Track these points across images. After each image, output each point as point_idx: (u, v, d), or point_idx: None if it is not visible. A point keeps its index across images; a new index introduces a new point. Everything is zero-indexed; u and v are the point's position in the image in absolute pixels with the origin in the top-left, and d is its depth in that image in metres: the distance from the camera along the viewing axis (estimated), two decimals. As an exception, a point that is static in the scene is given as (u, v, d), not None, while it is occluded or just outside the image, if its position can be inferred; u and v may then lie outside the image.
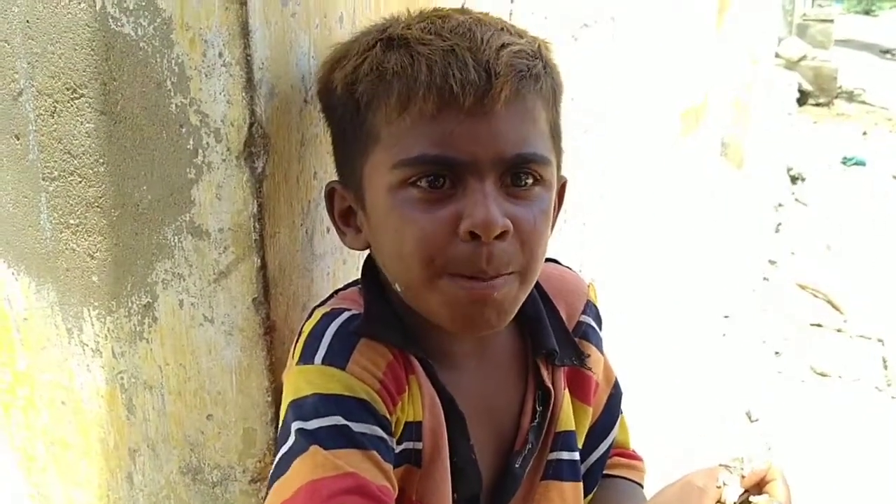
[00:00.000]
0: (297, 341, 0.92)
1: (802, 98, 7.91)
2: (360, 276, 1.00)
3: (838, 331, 4.03)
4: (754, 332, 3.82)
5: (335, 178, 0.99)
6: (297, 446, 0.84)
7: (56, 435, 1.16)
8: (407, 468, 0.91)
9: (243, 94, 0.92)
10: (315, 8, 1.02)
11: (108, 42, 0.94)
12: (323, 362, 0.87)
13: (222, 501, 1.09)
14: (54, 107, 0.99)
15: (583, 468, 1.06)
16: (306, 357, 0.88)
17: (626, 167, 2.74)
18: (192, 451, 1.08)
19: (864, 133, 7.48)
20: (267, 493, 0.85)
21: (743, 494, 0.81)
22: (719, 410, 3.02)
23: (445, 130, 0.84)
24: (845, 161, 6.58)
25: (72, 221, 1.03)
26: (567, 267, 1.12)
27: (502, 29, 0.88)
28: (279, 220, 1.00)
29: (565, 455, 1.02)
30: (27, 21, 0.97)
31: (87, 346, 1.08)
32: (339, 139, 0.96)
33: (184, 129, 0.95)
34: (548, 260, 0.96)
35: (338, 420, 0.84)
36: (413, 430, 0.91)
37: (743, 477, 0.81)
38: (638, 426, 1.22)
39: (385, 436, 0.86)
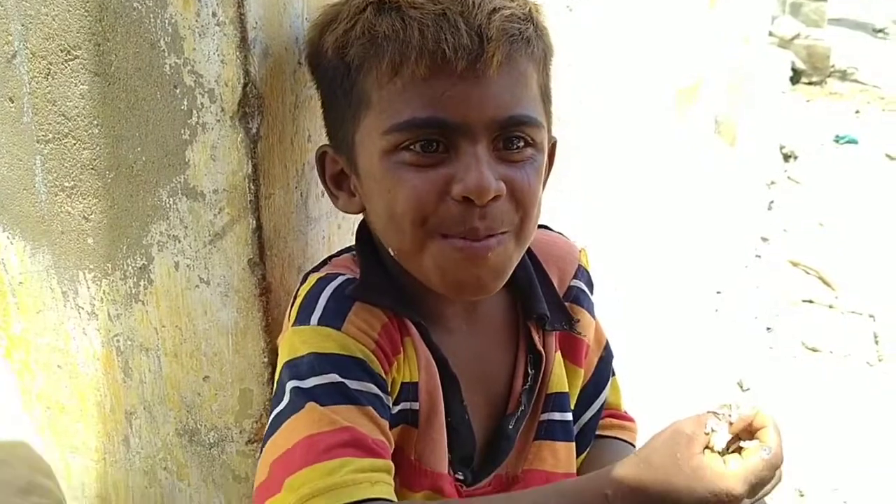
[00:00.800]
0: (292, 305, 0.93)
1: (796, 76, 7.90)
2: (353, 243, 1.01)
3: (830, 307, 4.05)
4: (747, 307, 3.83)
5: (327, 141, 1.00)
6: (294, 404, 0.84)
7: (52, 399, 1.17)
8: (404, 428, 0.92)
9: (237, 53, 0.93)
10: (308, -31, 1.02)
11: (101, 2, 0.93)
12: (319, 323, 0.88)
13: (219, 462, 1.10)
14: (48, 69, 0.99)
15: (575, 428, 1.07)
16: (302, 319, 0.89)
17: (619, 143, 2.74)
18: (188, 413, 1.09)
19: (857, 112, 7.47)
20: (261, 452, 0.86)
21: (733, 441, 0.81)
22: (711, 384, 3.03)
23: (437, 94, 0.84)
24: (838, 139, 6.58)
25: (66, 184, 1.03)
26: (559, 233, 1.12)
27: None
28: (274, 182, 1.01)
29: (557, 416, 1.04)
30: (20, -18, 0.97)
31: (83, 309, 1.09)
32: (330, 103, 0.96)
33: (178, 90, 0.95)
34: (539, 226, 0.97)
35: (334, 377, 0.85)
36: (409, 390, 0.92)
37: (731, 423, 0.81)
38: (631, 399, 1.23)
39: (381, 393, 0.87)
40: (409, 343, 0.93)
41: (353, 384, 0.85)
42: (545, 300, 1.02)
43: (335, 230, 1.14)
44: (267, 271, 1.01)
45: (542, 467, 1.02)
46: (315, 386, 0.85)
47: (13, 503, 0.96)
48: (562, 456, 1.04)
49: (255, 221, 0.99)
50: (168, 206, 1.00)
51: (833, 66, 8.42)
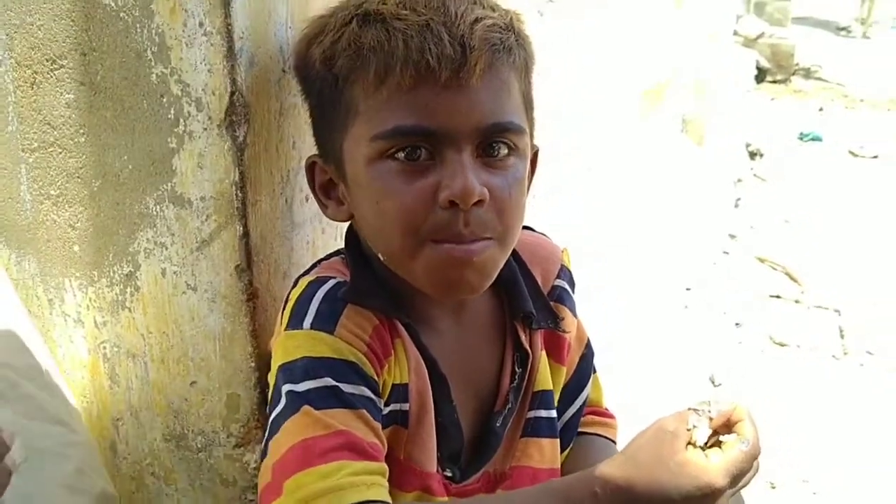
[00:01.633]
0: (283, 309, 0.94)
1: (760, 75, 8.01)
2: (342, 246, 1.02)
3: (796, 302, 4.12)
4: (715, 303, 3.89)
5: (313, 148, 1.01)
6: (289, 408, 0.86)
7: (38, 406, 1.17)
8: (395, 429, 0.94)
9: (224, 62, 0.94)
10: (293, -21, 1.03)
11: (87, 12, 0.94)
12: (311, 327, 0.89)
13: (206, 467, 1.11)
14: (34, 78, 0.99)
15: (559, 425, 1.10)
16: (294, 323, 0.91)
17: (589, 145, 2.78)
18: (175, 418, 1.10)
19: (821, 109, 7.60)
20: (264, 455, 0.88)
21: (712, 435, 0.84)
22: (683, 378, 3.07)
23: (422, 103, 0.87)
24: (802, 137, 6.68)
25: (52, 192, 1.03)
26: (541, 233, 1.15)
27: (475, 3, 0.91)
28: (260, 189, 1.02)
29: (543, 413, 1.06)
30: (5, -8, 0.97)
31: (69, 316, 1.09)
32: (318, 113, 0.98)
33: (164, 99, 0.96)
34: (523, 227, 0.99)
35: (328, 381, 0.86)
36: (400, 392, 0.94)
37: (711, 419, 0.84)
38: (606, 394, 1.26)
39: (373, 396, 0.89)
40: (400, 344, 0.94)
41: (347, 388, 0.87)
42: (531, 299, 1.04)
43: (319, 234, 1.16)
44: (254, 277, 1.03)
45: (529, 463, 1.05)
46: (309, 390, 0.86)
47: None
48: (547, 452, 1.06)
49: (242, 228, 1.00)
50: (155, 213, 1.00)
51: (797, 65, 8.55)
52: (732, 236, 4.70)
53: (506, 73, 0.91)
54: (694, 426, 0.84)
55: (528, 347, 1.04)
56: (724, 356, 3.51)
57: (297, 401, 0.86)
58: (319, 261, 1.04)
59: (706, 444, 0.84)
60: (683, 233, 4.03)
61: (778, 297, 4.16)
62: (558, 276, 1.10)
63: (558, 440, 1.08)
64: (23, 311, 1.09)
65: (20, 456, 0.78)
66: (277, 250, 1.07)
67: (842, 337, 3.81)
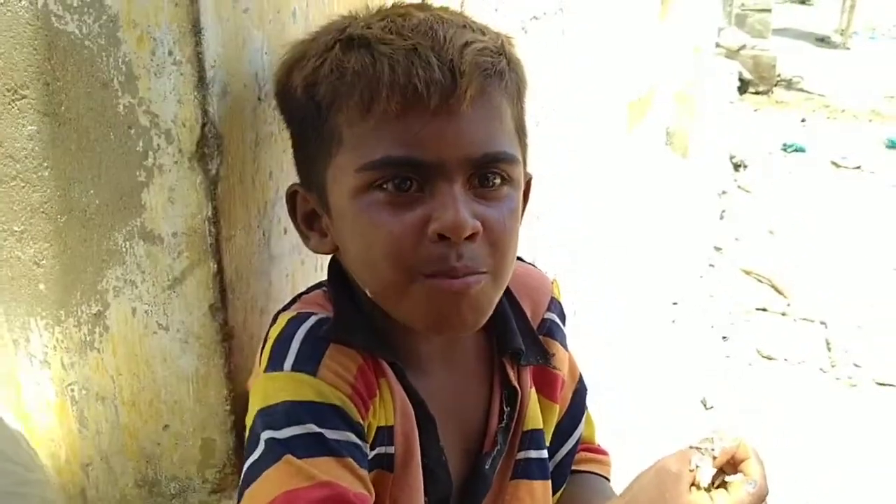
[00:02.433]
0: (262, 348, 0.89)
1: (743, 86, 8.05)
2: (324, 279, 0.98)
3: (783, 314, 4.12)
4: (702, 317, 3.88)
5: (292, 178, 0.97)
6: (269, 456, 0.81)
7: (3, 450, 1.11)
8: (379, 473, 0.89)
9: (195, 93, 0.89)
10: (268, 4, 0.99)
11: (50, 41, 0.89)
12: (293, 369, 0.84)
13: (181, 513, 1.06)
14: (-6, 109, 0.94)
15: (551, 465, 1.05)
16: (275, 364, 0.85)
17: (574, 159, 2.75)
18: (148, 464, 1.05)
19: (803, 120, 7.64)
20: (238, 501, 0.83)
21: (717, 475, 0.80)
22: (674, 398, 3.05)
23: (411, 131, 0.82)
24: (785, 148, 6.71)
25: (16, 228, 0.98)
26: (530, 263, 1.11)
27: (464, 26, 0.87)
28: (235, 223, 0.97)
29: (533, 454, 1.02)
30: (-38, 19, 0.92)
31: (35, 357, 1.04)
32: (300, 142, 0.93)
33: (132, 131, 0.91)
34: None
35: (311, 428, 0.81)
36: (385, 434, 0.89)
37: (714, 458, 0.80)
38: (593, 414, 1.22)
39: (359, 442, 0.84)
40: (385, 385, 0.90)
41: (331, 434, 0.82)
42: (520, 334, 1.00)
43: (298, 266, 1.11)
44: (229, 316, 0.98)
45: None
46: (291, 437, 0.81)
47: None
48: (538, 495, 1.02)
49: (215, 265, 0.95)
50: (124, 250, 0.96)
51: (779, 76, 8.61)
52: (718, 248, 4.70)
53: (498, 99, 0.87)
54: (697, 466, 0.80)
55: (516, 384, 1.00)
56: (712, 371, 3.49)
57: (277, 449, 0.81)
58: (300, 295, 0.99)
59: (711, 484, 0.80)
60: (670, 246, 4.01)
61: (764, 309, 4.16)
62: (548, 309, 1.06)
63: (550, 482, 1.04)
64: None
65: None
66: (254, 287, 1.02)
67: (829, 349, 3.80)
